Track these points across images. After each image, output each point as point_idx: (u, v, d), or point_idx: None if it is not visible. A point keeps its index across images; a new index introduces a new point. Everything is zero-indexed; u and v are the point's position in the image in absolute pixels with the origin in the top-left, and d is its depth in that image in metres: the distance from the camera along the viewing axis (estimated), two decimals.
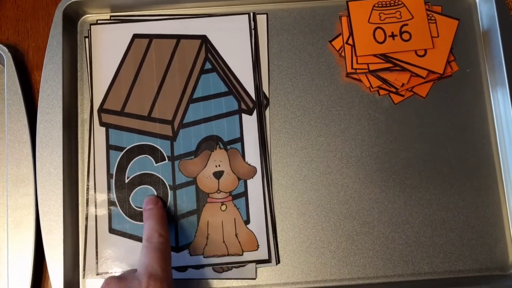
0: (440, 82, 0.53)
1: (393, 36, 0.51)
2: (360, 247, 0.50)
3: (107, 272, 0.49)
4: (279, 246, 0.50)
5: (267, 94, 0.53)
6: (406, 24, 0.52)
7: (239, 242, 0.49)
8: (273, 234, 0.50)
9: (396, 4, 0.52)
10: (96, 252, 0.49)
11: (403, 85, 0.52)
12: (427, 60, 0.51)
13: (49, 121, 0.50)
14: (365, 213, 0.50)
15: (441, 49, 0.52)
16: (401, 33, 0.52)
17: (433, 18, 0.52)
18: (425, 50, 0.51)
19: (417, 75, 0.51)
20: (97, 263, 0.49)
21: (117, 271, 0.49)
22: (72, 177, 0.51)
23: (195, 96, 0.52)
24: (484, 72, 0.53)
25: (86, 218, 0.50)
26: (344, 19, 0.53)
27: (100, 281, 0.49)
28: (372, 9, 0.52)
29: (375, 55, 0.51)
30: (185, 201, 0.50)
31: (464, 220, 0.50)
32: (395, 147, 0.52)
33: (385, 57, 0.51)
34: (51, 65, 0.51)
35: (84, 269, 0.49)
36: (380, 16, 0.52)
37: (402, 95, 0.52)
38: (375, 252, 0.50)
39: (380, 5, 0.52)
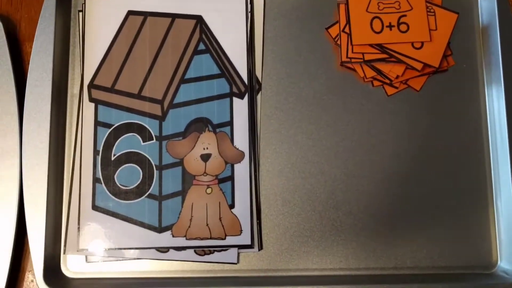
0: (435, 76, 0.52)
1: (390, 26, 0.51)
2: (343, 238, 0.49)
3: (88, 249, 0.48)
4: (262, 232, 0.49)
5: (259, 78, 0.52)
6: (405, 15, 0.51)
7: (223, 226, 0.49)
8: (257, 220, 0.49)
9: None
10: (78, 228, 0.49)
11: (397, 77, 0.51)
12: (424, 53, 0.50)
13: (38, 93, 0.50)
14: (351, 204, 0.50)
15: (438, 43, 0.51)
16: (398, 24, 0.51)
17: (432, 10, 0.51)
18: (422, 43, 0.51)
19: (412, 68, 0.51)
20: (78, 239, 0.49)
21: (98, 248, 0.48)
22: (58, 152, 0.50)
23: (186, 76, 0.51)
24: (481, 68, 0.52)
25: (70, 194, 0.50)
26: (342, 7, 0.52)
27: (81, 257, 0.49)
28: None
29: (371, 45, 0.51)
30: (170, 182, 0.50)
31: (450, 217, 0.50)
32: (386, 139, 0.51)
33: (381, 47, 0.51)
34: (43, 36, 0.50)
35: (65, 245, 0.49)
36: (379, 6, 0.51)
37: (396, 87, 0.52)
38: (358, 243, 0.49)
39: None
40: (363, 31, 0.51)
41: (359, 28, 0.51)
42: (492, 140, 0.51)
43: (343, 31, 0.52)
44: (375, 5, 0.51)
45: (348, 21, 0.51)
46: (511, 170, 0.48)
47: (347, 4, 0.52)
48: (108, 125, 0.51)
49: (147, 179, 0.50)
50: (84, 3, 0.53)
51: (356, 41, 0.51)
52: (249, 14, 0.53)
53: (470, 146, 0.51)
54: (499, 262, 0.49)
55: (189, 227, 0.49)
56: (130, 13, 0.53)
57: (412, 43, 0.51)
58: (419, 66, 0.50)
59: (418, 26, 0.51)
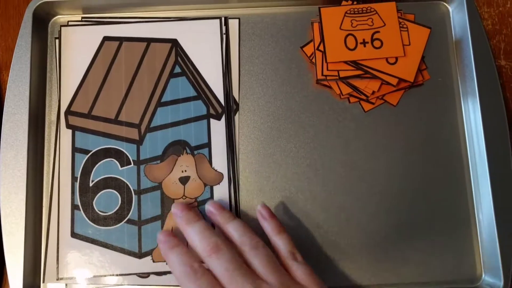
0: (412, 90, 0.52)
1: (364, 43, 0.51)
2: (326, 256, 0.49)
3: (68, 277, 0.48)
4: None
5: (237, 99, 0.52)
6: (378, 32, 0.51)
7: None
8: None
9: (368, 11, 0.52)
10: (57, 256, 0.48)
11: (373, 92, 0.51)
12: (398, 68, 0.51)
13: (15, 121, 0.50)
14: (331, 221, 0.50)
15: (412, 58, 0.51)
16: (372, 40, 0.51)
17: (405, 26, 0.52)
18: (396, 58, 0.51)
19: (388, 83, 0.51)
20: (57, 267, 0.48)
21: (78, 276, 0.48)
22: (36, 180, 0.50)
23: (163, 99, 0.51)
24: (456, 81, 0.53)
25: (48, 221, 0.49)
26: (316, 25, 0.53)
27: (61, 285, 0.48)
28: (344, 15, 0.52)
29: (345, 62, 0.51)
30: (149, 206, 0.49)
31: (432, 231, 0.50)
32: (364, 155, 0.51)
33: (355, 64, 0.51)
34: (19, 65, 0.51)
35: (44, 273, 0.48)
36: (352, 23, 0.52)
37: (373, 103, 0.52)
38: (341, 261, 0.49)
39: (352, 12, 0.52)
40: (337, 48, 0.51)
41: (333, 46, 0.51)
42: (470, 152, 0.51)
43: (317, 49, 0.52)
44: (348, 22, 0.52)
45: (322, 39, 0.52)
46: (490, 181, 0.48)
47: (320, 22, 0.52)
48: (85, 151, 0.50)
49: (126, 204, 0.49)
50: (60, 30, 0.53)
51: (330, 58, 0.51)
52: (224, 36, 0.53)
53: (449, 159, 0.51)
54: (483, 276, 0.49)
55: None
56: (105, 39, 0.53)
57: (387, 59, 0.51)
58: (394, 81, 0.51)
59: (391, 42, 0.51)
